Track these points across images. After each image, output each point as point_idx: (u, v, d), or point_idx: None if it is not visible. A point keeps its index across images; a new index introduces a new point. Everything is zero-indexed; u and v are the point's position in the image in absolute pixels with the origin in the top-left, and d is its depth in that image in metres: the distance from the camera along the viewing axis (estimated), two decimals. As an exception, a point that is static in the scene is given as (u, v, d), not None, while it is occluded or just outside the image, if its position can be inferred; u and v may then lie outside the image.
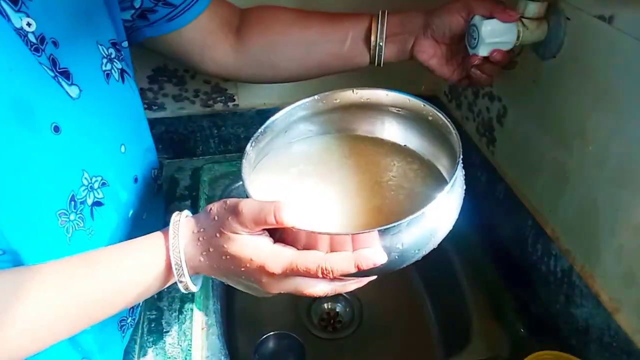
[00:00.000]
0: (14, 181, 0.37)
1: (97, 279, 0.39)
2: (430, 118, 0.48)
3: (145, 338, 0.61)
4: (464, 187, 0.44)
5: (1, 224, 0.36)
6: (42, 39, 0.41)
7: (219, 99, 0.91)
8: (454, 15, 0.55)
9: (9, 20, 0.38)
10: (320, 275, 0.37)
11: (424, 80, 0.97)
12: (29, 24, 0.40)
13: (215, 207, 0.40)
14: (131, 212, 0.52)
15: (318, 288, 0.40)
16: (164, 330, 0.62)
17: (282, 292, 0.41)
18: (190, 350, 0.60)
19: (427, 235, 0.40)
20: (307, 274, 0.38)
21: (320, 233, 0.37)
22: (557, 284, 0.64)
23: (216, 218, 0.39)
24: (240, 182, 0.45)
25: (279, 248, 0.39)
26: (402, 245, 0.38)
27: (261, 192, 0.48)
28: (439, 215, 0.40)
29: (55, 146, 0.41)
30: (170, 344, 0.61)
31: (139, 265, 0.40)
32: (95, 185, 0.46)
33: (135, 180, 0.53)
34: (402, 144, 0.53)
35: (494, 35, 0.57)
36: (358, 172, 0.51)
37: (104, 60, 0.49)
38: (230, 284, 0.44)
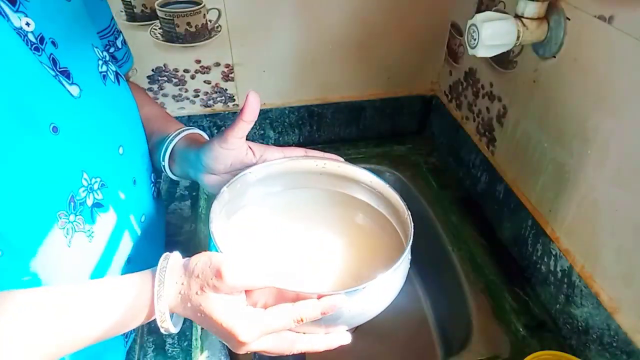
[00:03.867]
0: (13, 182, 0.37)
1: (73, 309, 0.38)
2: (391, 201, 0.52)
3: (146, 338, 0.61)
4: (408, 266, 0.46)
5: (1, 224, 0.36)
6: (41, 39, 0.41)
7: (219, 99, 0.91)
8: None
9: (8, 20, 0.38)
10: (293, 324, 0.39)
11: (424, 81, 0.97)
12: (28, 24, 0.40)
13: (200, 263, 0.40)
14: (130, 214, 0.51)
15: (282, 346, 0.42)
16: (164, 330, 0.62)
17: (253, 352, 0.42)
18: (190, 351, 0.60)
19: (374, 304, 0.44)
20: (281, 329, 0.40)
21: (287, 290, 0.40)
22: (557, 284, 0.64)
23: (200, 275, 0.39)
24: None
25: (249, 314, 0.40)
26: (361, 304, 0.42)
27: (226, 240, 0.49)
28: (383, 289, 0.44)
29: (54, 146, 0.40)
30: (170, 344, 0.61)
31: (120, 305, 0.40)
32: (95, 187, 0.45)
33: (134, 182, 0.52)
34: (370, 204, 0.56)
35: (494, 38, 0.57)
36: (324, 226, 0.54)
37: (100, 62, 0.49)
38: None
